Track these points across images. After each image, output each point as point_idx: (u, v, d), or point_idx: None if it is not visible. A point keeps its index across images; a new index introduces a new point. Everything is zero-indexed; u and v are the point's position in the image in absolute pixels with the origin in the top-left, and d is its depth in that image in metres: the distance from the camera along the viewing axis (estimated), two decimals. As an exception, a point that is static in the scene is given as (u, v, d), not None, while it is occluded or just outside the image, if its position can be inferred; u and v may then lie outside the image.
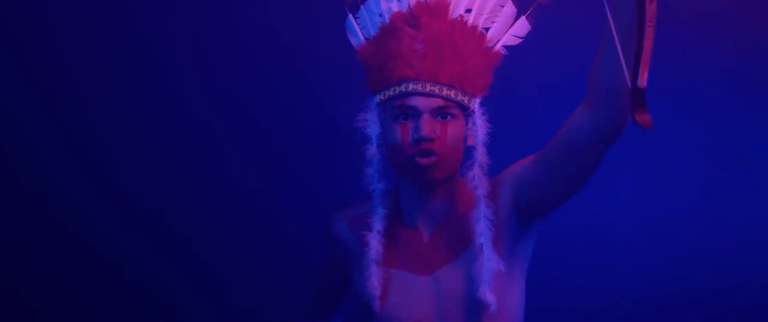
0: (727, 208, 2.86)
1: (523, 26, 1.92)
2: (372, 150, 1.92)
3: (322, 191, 2.85)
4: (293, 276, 2.55)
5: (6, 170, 2.94)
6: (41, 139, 2.94)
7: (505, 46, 1.92)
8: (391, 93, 1.86)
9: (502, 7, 1.91)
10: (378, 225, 1.94)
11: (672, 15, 2.67)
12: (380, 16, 1.91)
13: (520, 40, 1.93)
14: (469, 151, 1.90)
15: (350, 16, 1.96)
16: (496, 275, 1.88)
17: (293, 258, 2.78)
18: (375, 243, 1.93)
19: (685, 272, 2.86)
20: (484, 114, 1.90)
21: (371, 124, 1.92)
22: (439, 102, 1.84)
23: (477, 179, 1.89)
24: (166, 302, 2.93)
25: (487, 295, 1.87)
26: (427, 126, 1.82)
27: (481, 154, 1.89)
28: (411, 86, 1.84)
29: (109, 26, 2.91)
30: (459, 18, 1.88)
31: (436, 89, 1.83)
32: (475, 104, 1.90)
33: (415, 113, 1.84)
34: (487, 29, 1.91)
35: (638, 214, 2.90)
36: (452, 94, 1.84)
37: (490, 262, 1.87)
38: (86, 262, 2.95)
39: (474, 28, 1.89)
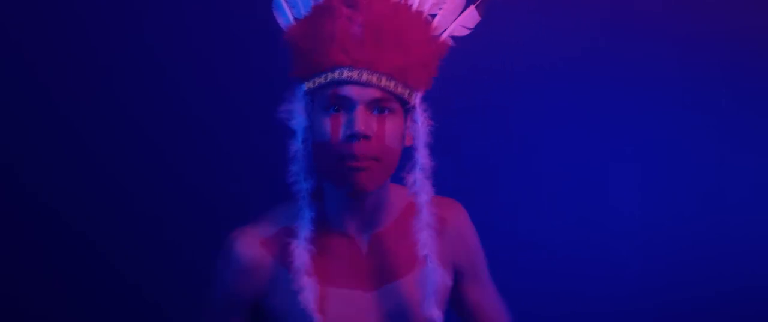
0: (731, 208, 2.78)
1: (472, 16, 1.74)
2: (297, 145, 1.70)
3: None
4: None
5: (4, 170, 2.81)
6: (38, 139, 2.81)
7: (452, 37, 1.74)
8: (322, 81, 1.64)
9: None
10: (305, 231, 1.70)
11: (676, 11, 2.67)
12: None
13: (468, 31, 1.74)
14: (408, 152, 1.70)
15: None
16: (442, 289, 1.74)
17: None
18: (301, 251, 1.68)
19: (689, 273, 2.78)
20: (426, 110, 1.71)
21: (297, 115, 1.70)
22: (377, 93, 1.63)
23: (419, 183, 1.69)
24: (165, 302, 2.80)
25: (433, 310, 1.70)
26: (362, 120, 1.61)
27: (423, 156, 1.69)
28: (345, 74, 1.62)
29: (108, 26, 2.79)
30: (403, 1, 1.68)
31: (374, 79, 1.62)
32: (417, 99, 1.70)
33: (348, 105, 1.63)
34: (433, 16, 1.72)
35: (641, 214, 2.81)
36: (392, 85, 1.63)
37: (435, 274, 1.70)
38: (82, 262, 2.82)
39: (419, 13, 1.69)
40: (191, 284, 2.76)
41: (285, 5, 1.73)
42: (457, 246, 1.85)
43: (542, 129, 2.73)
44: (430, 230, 1.70)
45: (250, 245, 1.74)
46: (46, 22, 2.78)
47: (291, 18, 1.73)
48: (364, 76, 1.62)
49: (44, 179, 2.81)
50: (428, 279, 1.70)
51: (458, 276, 1.88)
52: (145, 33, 2.79)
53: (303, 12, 1.71)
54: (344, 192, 1.68)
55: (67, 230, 2.81)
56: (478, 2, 1.74)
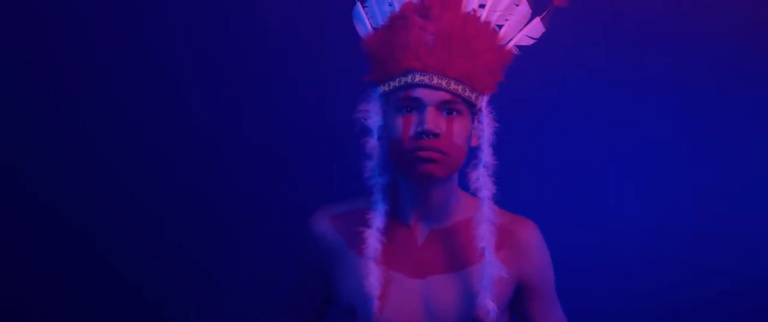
0: (730, 209, 2.81)
1: (537, 27, 1.86)
2: (372, 142, 1.82)
3: (322, 191, 2.71)
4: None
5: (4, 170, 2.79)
6: (38, 139, 2.80)
7: (518, 46, 1.86)
8: (396, 84, 1.77)
9: (517, 5, 1.85)
10: (378, 222, 1.82)
11: (671, 11, 2.74)
12: (390, 5, 1.82)
13: (533, 41, 1.86)
14: (473, 151, 1.82)
15: (358, 3, 1.86)
16: (497, 283, 1.81)
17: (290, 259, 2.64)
18: (374, 240, 1.81)
19: (688, 274, 2.80)
20: (491, 113, 1.82)
21: (372, 115, 1.82)
22: (446, 96, 1.75)
23: (481, 179, 1.80)
24: (163, 303, 2.81)
25: (488, 302, 1.80)
26: (432, 120, 1.73)
27: (487, 155, 1.81)
28: (417, 78, 1.75)
29: (108, 26, 2.79)
30: (472, 12, 1.80)
31: (444, 83, 1.74)
32: (483, 102, 1.81)
33: (419, 106, 1.75)
34: (500, 27, 1.84)
35: (641, 215, 2.84)
36: (460, 89, 1.76)
37: (491, 268, 1.80)
38: (82, 262, 2.80)
39: (487, 24, 1.81)
40: (191, 284, 2.83)
41: (364, 16, 1.85)
42: (523, 262, 1.88)
43: (542, 130, 2.80)
44: (489, 225, 1.80)
45: (321, 219, 1.92)
46: (46, 22, 2.77)
47: (369, 27, 1.85)
48: (435, 80, 1.74)
49: (44, 179, 2.79)
50: (485, 272, 1.80)
51: (522, 292, 1.91)
52: (145, 33, 2.80)
53: (380, 21, 1.83)
54: (414, 178, 1.79)
55: (67, 230, 2.80)
56: (544, 14, 1.86)
